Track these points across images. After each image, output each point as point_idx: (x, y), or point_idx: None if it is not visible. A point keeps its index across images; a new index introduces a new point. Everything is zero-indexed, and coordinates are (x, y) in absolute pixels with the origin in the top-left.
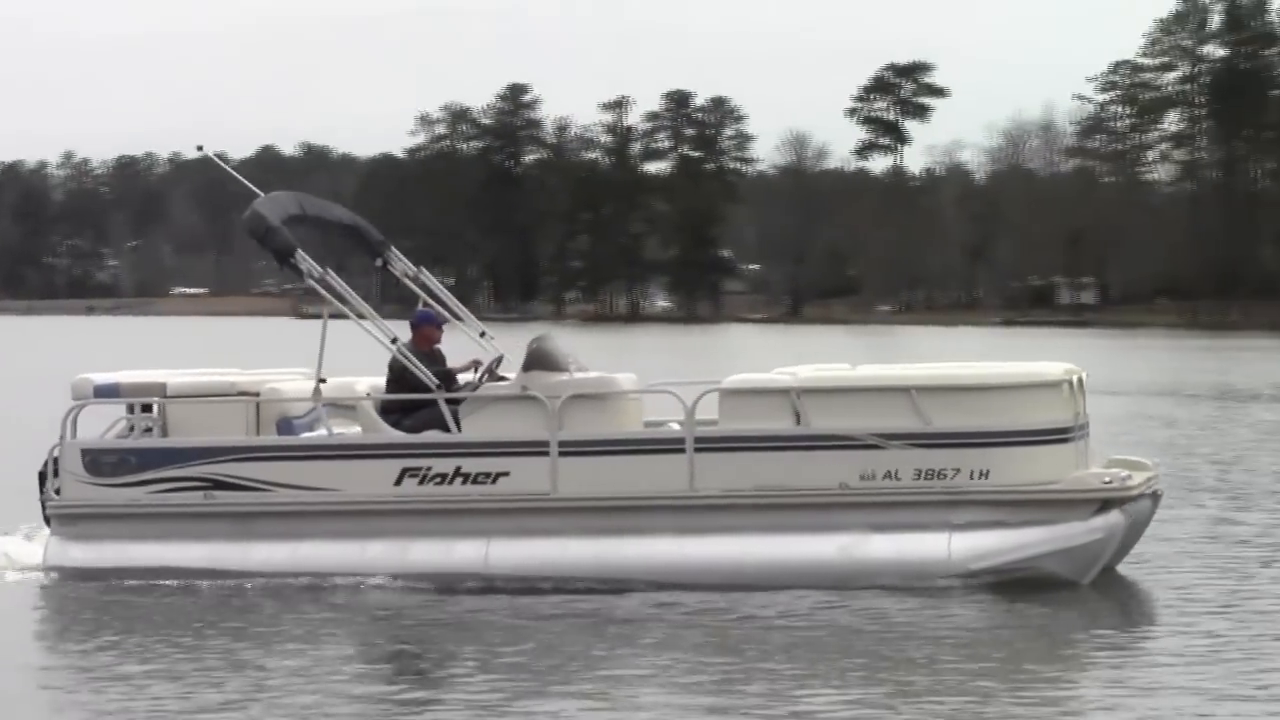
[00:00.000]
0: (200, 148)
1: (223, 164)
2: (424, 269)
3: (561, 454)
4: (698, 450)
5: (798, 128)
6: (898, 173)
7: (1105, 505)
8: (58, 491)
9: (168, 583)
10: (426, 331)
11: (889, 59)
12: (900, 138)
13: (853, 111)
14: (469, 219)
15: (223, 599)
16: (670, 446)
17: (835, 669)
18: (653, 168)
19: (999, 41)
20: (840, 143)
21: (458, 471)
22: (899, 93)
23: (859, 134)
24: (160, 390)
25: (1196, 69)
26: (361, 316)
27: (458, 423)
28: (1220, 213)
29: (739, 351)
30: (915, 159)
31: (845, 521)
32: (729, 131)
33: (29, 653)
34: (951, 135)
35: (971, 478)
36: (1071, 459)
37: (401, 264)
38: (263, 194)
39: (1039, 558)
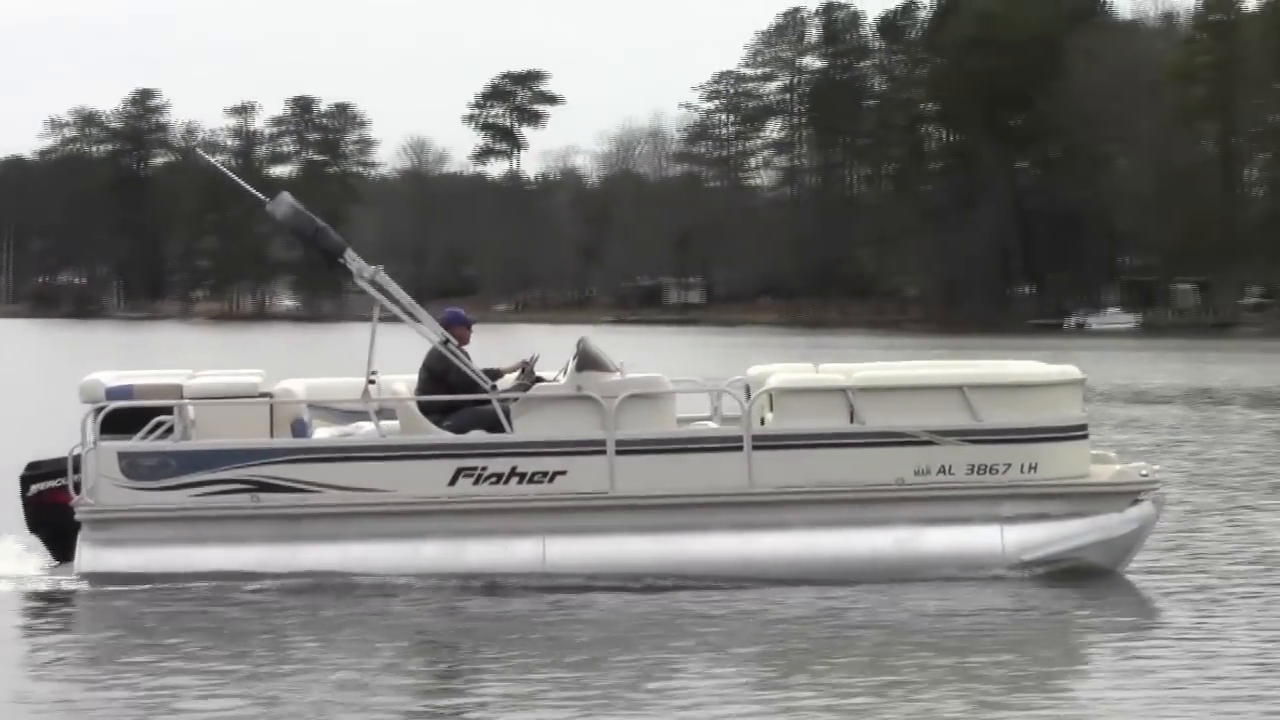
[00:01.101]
0: (196, 148)
1: (219, 166)
2: (381, 269)
3: (619, 453)
4: (755, 448)
5: (419, 133)
6: (514, 177)
7: (1139, 497)
8: (90, 495)
9: (214, 586)
10: (458, 331)
11: (507, 67)
12: (516, 143)
13: (471, 118)
14: (98, 220)
15: (272, 603)
16: (728, 445)
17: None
18: (278, 171)
19: (611, 51)
20: (460, 148)
21: (513, 471)
22: (515, 100)
23: (477, 139)
24: (176, 393)
25: (796, 79)
26: (413, 316)
27: (509, 422)
28: (819, 216)
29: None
30: (531, 164)
31: (901, 516)
32: (352, 137)
33: (88, 665)
34: (566, 141)
35: (1021, 472)
36: (1090, 454)
37: (357, 264)
38: (263, 196)
39: (1083, 548)
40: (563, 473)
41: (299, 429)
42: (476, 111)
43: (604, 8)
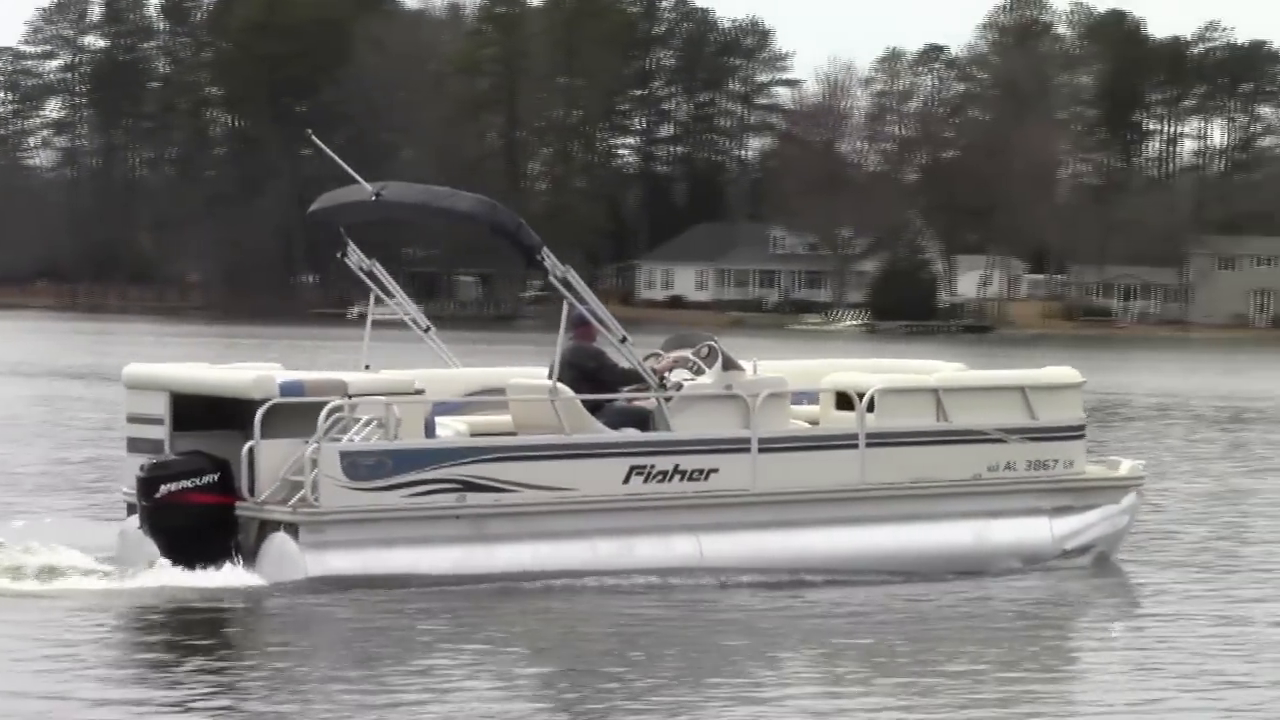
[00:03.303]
0: (309, 131)
1: (324, 147)
2: (377, 263)
3: (760, 450)
4: (867, 446)
5: None
6: None
7: (1128, 489)
8: (313, 496)
9: (430, 586)
10: (586, 330)
11: None
12: None
13: None
14: None
15: (466, 604)
16: (845, 442)
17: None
18: None
19: None
20: None
21: (676, 469)
22: None
23: None
24: (341, 389)
25: (78, 58)
26: (595, 315)
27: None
28: (99, 199)
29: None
30: None
31: (978, 509)
32: None
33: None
34: None
35: (1063, 468)
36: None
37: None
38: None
39: (1102, 538)
40: (715, 470)
41: (430, 427)
42: None
43: None
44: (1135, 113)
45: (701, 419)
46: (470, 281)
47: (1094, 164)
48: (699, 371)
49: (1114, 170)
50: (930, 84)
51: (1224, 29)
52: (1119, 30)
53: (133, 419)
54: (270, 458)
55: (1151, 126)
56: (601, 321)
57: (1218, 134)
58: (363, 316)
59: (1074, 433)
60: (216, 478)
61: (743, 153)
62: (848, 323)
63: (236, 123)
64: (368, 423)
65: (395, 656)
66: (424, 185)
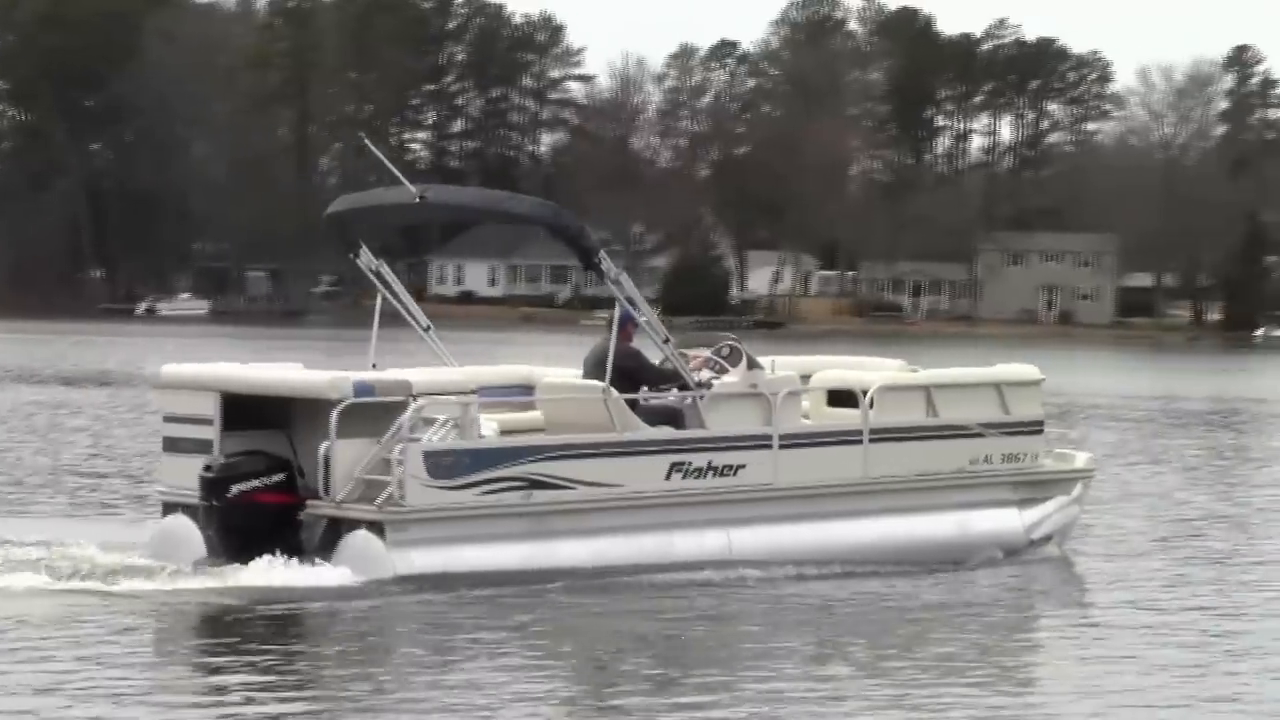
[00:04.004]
0: (363, 136)
1: (376, 151)
2: (384, 264)
3: (781, 446)
4: (870, 441)
5: None
6: None
7: (1079, 480)
8: (399, 495)
9: (503, 584)
10: (630, 330)
11: None
12: None
13: None
14: None
15: (534, 600)
16: (850, 438)
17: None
18: None
19: None
20: None
21: (709, 465)
22: None
23: None
24: (407, 389)
25: None
26: (644, 317)
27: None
28: None
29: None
30: None
31: (962, 501)
32: None
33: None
34: None
35: (1030, 460)
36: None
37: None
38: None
39: (1059, 527)
40: (743, 466)
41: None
42: None
43: None
44: (925, 109)
45: (730, 417)
46: (260, 276)
47: (884, 160)
48: (722, 370)
49: (904, 167)
50: (722, 80)
51: (1013, 26)
52: (909, 27)
53: (173, 419)
54: (345, 457)
55: (941, 123)
56: (647, 322)
57: (1006, 131)
58: (151, 311)
59: (1038, 427)
60: (284, 477)
61: (535, 148)
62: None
63: (23, 116)
64: (444, 422)
65: (469, 653)
66: (475, 188)
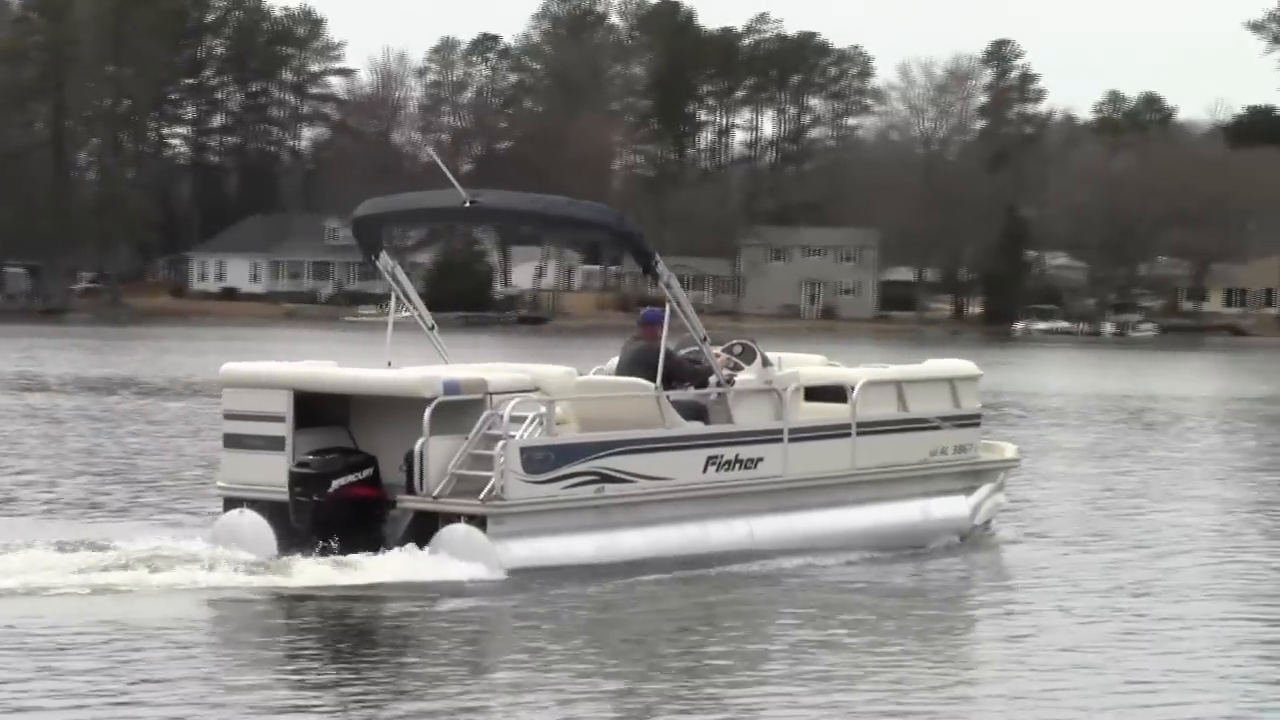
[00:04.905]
0: (430, 150)
1: (440, 162)
2: (399, 266)
3: (790, 440)
4: (857, 434)
5: None
6: None
7: (1005, 469)
8: (500, 489)
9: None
10: (655, 329)
11: None
12: None
13: None
14: None
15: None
16: (841, 432)
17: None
18: None
19: None
20: None
21: (737, 458)
22: None
23: None
24: (484, 387)
25: None
26: (687, 314)
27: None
28: None
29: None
30: None
31: (925, 490)
32: None
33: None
34: None
35: (972, 451)
36: None
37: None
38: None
39: (991, 512)
40: (761, 459)
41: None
42: None
43: None
44: (687, 104)
45: (750, 412)
46: (19, 273)
47: (647, 155)
48: (737, 368)
49: (667, 162)
50: (484, 75)
51: (774, 21)
52: (671, 21)
53: (238, 416)
54: (438, 453)
55: (704, 118)
56: (690, 322)
57: (769, 126)
58: None
59: (979, 420)
60: (372, 472)
61: (296, 143)
62: (403, 314)
63: None
64: (534, 419)
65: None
66: (529, 194)
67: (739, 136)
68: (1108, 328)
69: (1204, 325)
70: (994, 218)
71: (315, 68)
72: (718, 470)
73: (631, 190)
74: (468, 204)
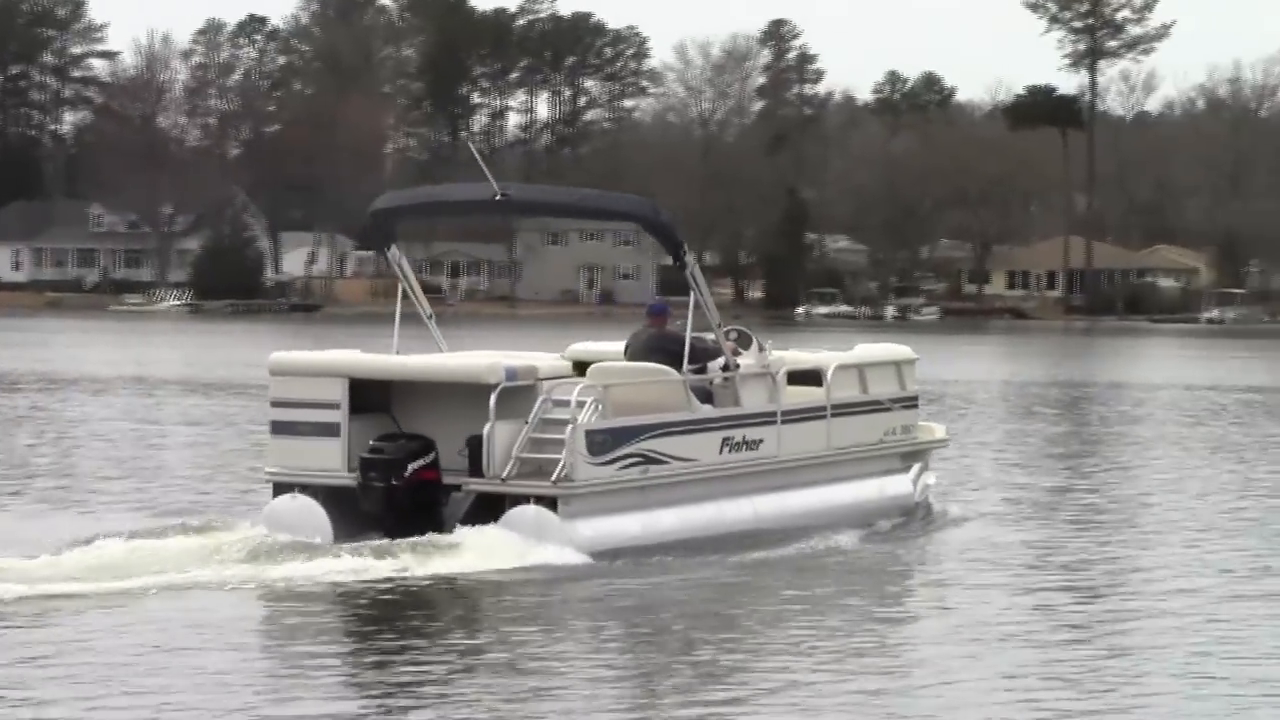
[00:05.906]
0: (465, 136)
1: (476, 153)
2: (405, 258)
3: (782, 422)
4: (832, 415)
5: None
6: None
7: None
8: (569, 472)
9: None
10: (662, 319)
11: None
12: None
13: None
14: None
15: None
16: (819, 414)
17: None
18: None
19: None
20: None
21: (744, 439)
22: None
23: None
24: (535, 373)
25: None
26: (705, 304)
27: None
28: None
29: None
30: None
31: (879, 469)
32: None
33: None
34: None
35: (913, 431)
36: None
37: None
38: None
39: (927, 490)
40: (762, 440)
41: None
42: None
43: None
44: (461, 86)
45: (751, 396)
46: None
47: (420, 138)
48: (736, 353)
49: (440, 145)
50: (252, 57)
51: (547, 2)
52: (442, 2)
53: (287, 404)
54: (503, 437)
55: (477, 100)
56: (709, 309)
57: (544, 108)
58: None
59: (917, 401)
60: (435, 456)
61: (58, 127)
62: (170, 303)
63: None
64: (593, 404)
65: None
66: (562, 187)
67: (514, 119)
68: (890, 311)
69: (986, 308)
70: (774, 200)
71: (77, 50)
72: (730, 451)
73: (405, 173)
74: (499, 197)
